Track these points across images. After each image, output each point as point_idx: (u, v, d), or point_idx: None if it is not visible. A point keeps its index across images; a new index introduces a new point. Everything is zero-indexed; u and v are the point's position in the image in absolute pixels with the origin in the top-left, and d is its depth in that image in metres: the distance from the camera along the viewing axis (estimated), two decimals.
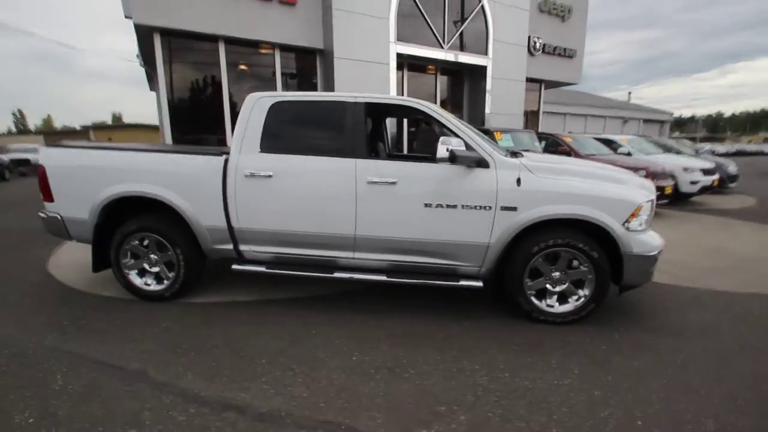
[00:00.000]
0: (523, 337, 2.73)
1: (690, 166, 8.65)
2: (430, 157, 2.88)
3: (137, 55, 11.86)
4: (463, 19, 10.67)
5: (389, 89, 9.74)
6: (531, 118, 14.32)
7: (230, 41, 8.52)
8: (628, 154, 9.21)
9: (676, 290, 3.57)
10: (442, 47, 10.45)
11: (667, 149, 10.96)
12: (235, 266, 3.16)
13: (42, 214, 3.40)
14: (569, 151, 8.32)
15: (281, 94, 3.15)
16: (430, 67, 11.38)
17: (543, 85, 14.10)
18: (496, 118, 11.83)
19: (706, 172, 8.78)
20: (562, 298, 2.96)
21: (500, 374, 2.30)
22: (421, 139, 4.55)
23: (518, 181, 2.81)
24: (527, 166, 2.85)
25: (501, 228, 2.83)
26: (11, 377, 2.24)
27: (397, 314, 3.10)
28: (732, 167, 10.30)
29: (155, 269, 3.30)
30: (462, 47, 10.81)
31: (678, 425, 1.88)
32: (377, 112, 3.66)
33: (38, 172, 3.29)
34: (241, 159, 3.03)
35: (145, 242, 3.25)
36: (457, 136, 2.91)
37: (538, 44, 12.73)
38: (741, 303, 3.31)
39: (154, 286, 3.29)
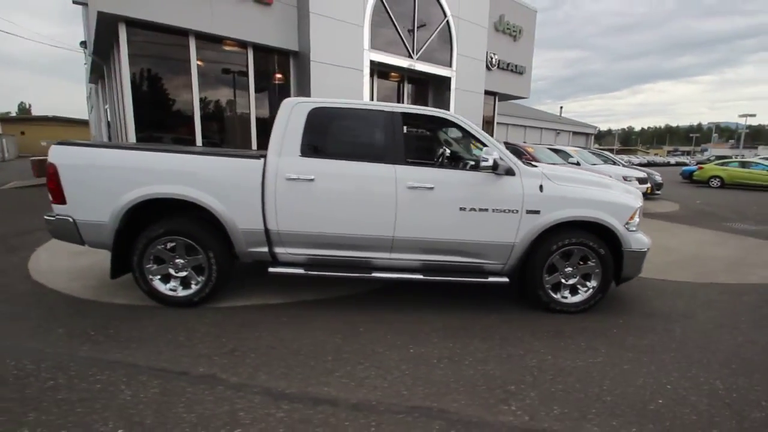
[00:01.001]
0: (547, 326, 3.09)
1: (628, 175, 9.89)
2: (472, 165, 3.16)
3: (82, 44, 10.85)
4: (430, 32, 11.19)
5: (363, 95, 9.93)
6: (486, 128, 15.29)
7: (201, 37, 8.20)
8: (577, 163, 10.29)
9: (650, 282, 4.19)
10: (411, 57, 10.87)
11: (605, 160, 12.35)
12: (272, 269, 3.17)
13: (49, 217, 3.14)
14: (531, 160, 9.11)
15: (319, 100, 3.23)
16: (394, 74, 11.73)
17: (497, 98, 15.15)
18: None
19: (641, 180, 10.10)
20: (573, 290, 3.38)
21: (544, 357, 2.62)
22: (417, 147, 4.80)
23: (540, 187, 3.18)
24: (547, 175, 3.24)
25: (525, 229, 3.17)
26: (67, 390, 2.11)
27: (430, 310, 3.32)
28: (658, 177, 11.89)
29: (181, 274, 3.19)
30: (429, 58, 11.31)
31: (697, 386, 2.31)
32: (409, 121, 3.83)
33: (47, 171, 3.04)
34: (282, 162, 3.07)
35: (168, 246, 3.14)
36: (485, 146, 3.21)
37: (494, 60, 13.69)
38: (702, 291, 3.99)
39: (180, 292, 3.19)
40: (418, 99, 12.58)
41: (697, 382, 2.36)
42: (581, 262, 3.32)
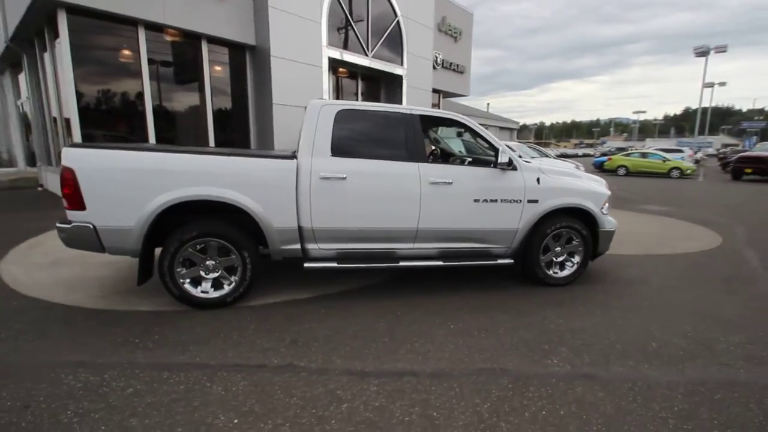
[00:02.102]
0: (547, 297, 3.64)
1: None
2: (489, 161, 3.58)
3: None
4: (383, 31, 11.51)
5: (322, 92, 9.97)
6: None
7: (152, 28, 7.66)
8: (519, 156, 11.37)
9: (607, 257, 5.00)
10: (366, 55, 11.11)
11: (541, 153, 13.76)
12: (307, 264, 3.31)
13: (63, 225, 2.94)
14: None
15: (344, 103, 3.41)
16: (342, 70, 11.89)
17: (441, 95, 15.98)
18: None
19: None
20: (561, 266, 3.98)
21: (557, 321, 3.14)
22: None
23: (538, 180, 3.71)
24: (542, 169, 3.78)
25: (527, 216, 3.69)
26: (152, 395, 2.13)
27: (448, 292, 3.69)
28: (582, 168, 13.56)
29: (212, 275, 3.20)
30: (383, 57, 11.64)
31: (674, 331, 2.98)
32: (424, 123, 4.09)
33: (63, 176, 2.85)
34: (315, 162, 3.22)
35: (198, 248, 3.13)
36: (492, 145, 3.66)
37: (438, 59, 14.44)
38: (646, 261, 4.89)
39: (213, 293, 3.19)
40: (371, 96, 12.87)
41: (672, 329, 3.04)
42: (567, 242, 3.93)
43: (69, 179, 2.84)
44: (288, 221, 3.21)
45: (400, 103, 12.60)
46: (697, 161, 24.41)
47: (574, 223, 3.83)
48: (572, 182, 3.87)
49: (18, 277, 3.82)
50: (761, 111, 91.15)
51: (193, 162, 3.04)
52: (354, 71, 11.87)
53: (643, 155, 20.23)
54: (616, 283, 4.07)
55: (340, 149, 3.31)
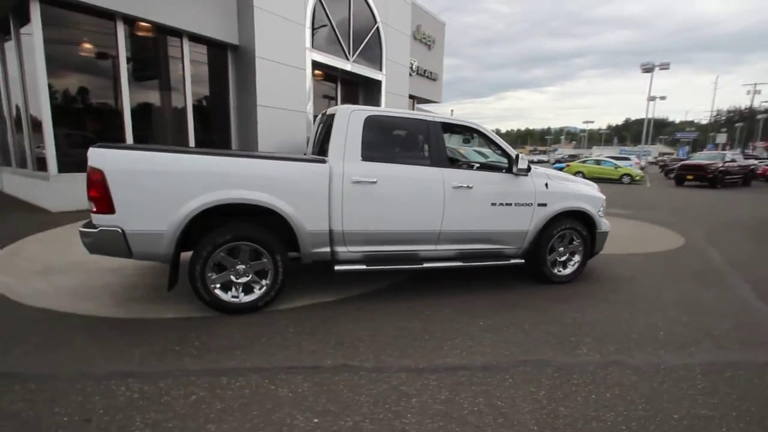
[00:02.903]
0: (556, 294, 3.91)
1: None
2: (499, 167, 3.80)
3: None
4: (363, 37, 11.63)
5: (306, 94, 9.92)
6: None
7: (131, 22, 7.30)
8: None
9: (598, 256, 5.41)
10: (348, 59, 11.18)
11: None
12: (338, 267, 3.35)
13: (88, 229, 2.80)
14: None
15: (372, 109, 3.50)
16: (318, 73, 11.90)
17: (415, 101, 16.33)
18: None
19: None
20: (563, 265, 4.29)
21: (573, 315, 3.40)
22: None
23: (546, 185, 3.99)
24: (549, 175, 4.07)
25: (537, 219, 3.95)
26: (219, 400, 2.11)
27: (463, 292, 3.86)
28: None
29: (243, 280, 3.16)
30: (363, 62, 11.76)
31: (674, 321, 3.33)
32: (444, 129, 4.23)
33: (91, 178, 2.72)
34: (346, 166, 3.28)
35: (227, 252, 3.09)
36: (505, 152, 3.89)
37: (414, 66, 14.78)
38: (629, 259, 5.35)
39: (243, 298, 3.15)
40: (351, 99, 12.93)
41: (671, 319, 3.40)
42: (569, 243, 4.25)
43: (97, 181, 2.71)
44: (320, 224, 3.25)
45: (378, 106, 12.77)
46: (642, 168, 26.56)
47: (576, 225, 4.15)
48: (574, 187, 4.20)
49: (13, 287, 3.54)
50: (692, 123, 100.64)
51: (227, 165, 3.00)
52: (334, 75, 11.89)
53: (597, 162, 21.76)
54: (610, 280, 4.44)
55: (369, 154, 3.40)
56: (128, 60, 7.32)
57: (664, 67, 27.28)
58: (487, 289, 3.98)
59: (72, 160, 6.57)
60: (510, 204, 3.82)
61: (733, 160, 18.75)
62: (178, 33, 8.04)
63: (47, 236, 5.31)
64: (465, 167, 4.69)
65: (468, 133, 4.23)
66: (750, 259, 5.53)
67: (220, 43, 8.66)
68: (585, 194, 4.20)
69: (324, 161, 3.26)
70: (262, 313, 3.20)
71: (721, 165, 17.76)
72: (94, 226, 2.80)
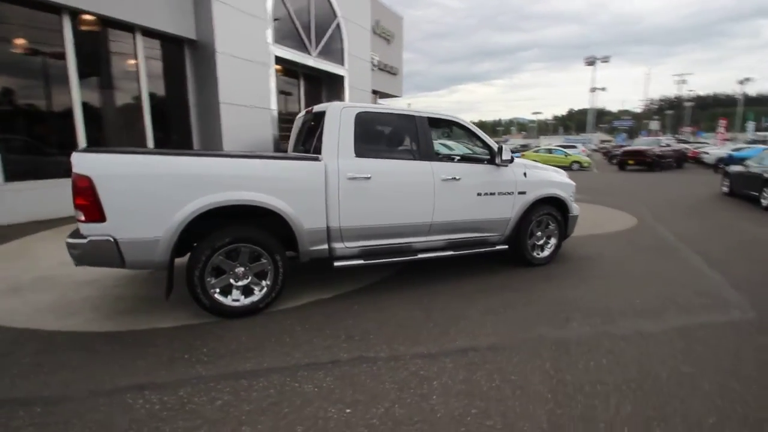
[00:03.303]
0: (538, 276, 4.18)
1: None
2: (480, 159, 3.98)
3: None
4: (324, 31, 11.49)
5: (269, 90, 9.68)
6: None
7: (78, 16, 6.76)
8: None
9: (568, 239, 5.81)
10: (310, 54, 11.01)
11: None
12: (337, 263, 3.38)
13: (76, 240, 2.63)
14: None
15: (362, 105, 3.54)
16: (278, 68, 11.66)
17: (377, 96, 16.38)
18: None
19: None
20: (541, 249, 4.58)
21: (558, 294, 3.66)
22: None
23: (525, 174, 4.23)
24: (526, 165, 4.32)
25: (517, 206, 4.19)
26: (246, 403, 2.10)
27: (452, 280, 4.02)
28: None
29: (242, 282, 3.11)
30: (326, 56, 11.63)
31: (651, 294, 3.69)
32: (430, 124, 4.29)
33: (77, 185, 2.56)
34: (341, 163, 3.30)
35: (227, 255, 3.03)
36: (486, 144, 4.08)
37: (375, 61, 14.80)
38: (593, 240, 5.78)
39: (244, 301, 3.11)
40: (313, 96, 12.75)
41: (642, 291, 3.76)
42: (546, 227, 4.54)
43: (85, 188, 2.56)
44: (318, 222, 3.26)
45: (341, 101, 12.71)
46: (588, 155, 28.40)
47: (552, 210, 4.45)
48: (549, 175, 4.49)
49: None
50: (627, 112, 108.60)
51: (224, 166, 2.93)
52: (295, 71, 11.66)
53: (549, 151, 23.02)
54: (581, 260, 4.80)
55: (361, 150, 3.44)
56: (77, 57, 6.78)
57: (605, 60, 29.41)
58: (474, 275, 4.17)
59: (21, 168, 6.01)
60: (494, 193, 4.03)
61: (668, 145, 20.56)
62: (130, 27, 7.54)
63: (2, 252, 4.87)
64: (446, 160, 4.86)
65: (450, 126, 4.38)
66: (694, 234, 6.18)
67: (175, 37, 8.22)
68: (558, 181, 4.51)
69: (318, 159, 3.27)
70: (264, 314, 3.17)
71: (657, 150, 19.43)
72: (82, 236, 2.64)
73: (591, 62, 30.07)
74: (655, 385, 2.27)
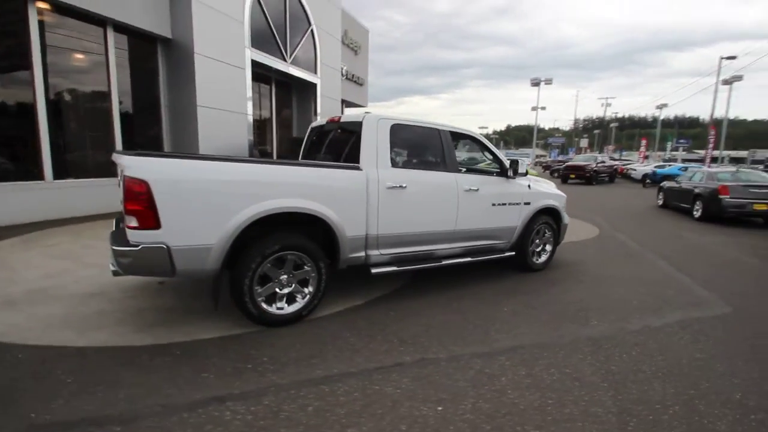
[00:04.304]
0: (539, 279, 4.56)
1: None
2: (497, 172, 4.28)
3: None
4: (299, 39, 11.43)
5: (246, 95, 9.44)
6: None
7: (45, 8, 6.19)
8: None
9: None
10: (285, 60, 10.90)
11: None
12: (374, 270, 3.45)
13: (127, 248, 2.47)
14: None
15: (395, 118, 3.67)
16: (266, 76, 11.43)
17: (344, 105, 16.46)
18: None
19: None
20: (538, 255, 4.99)
21: (563, 295, 4.03)
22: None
23: (529, 186, 4.61)
24: (529, 178, 4.70)
25: (523, 215, 4.55)
26: (338, 407, 2.13)
27: (470, 284, 4.26)
28: None
29: (286, 290, 3.08)
30: (300, 64, 11.56)
31: (641, 293, 4.18)
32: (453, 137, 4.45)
33: (132, 189, 2.42)
34: (380, 173, 3.41)
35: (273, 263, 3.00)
36: (497, 158, 4.41)
37: (343, 71, 14.93)
38: (570, 247, 6.35)
39: (288, 309, 3.08)
40: (283, 103, 12.56)
41: (633, 291, 4.25)
42: (542, 235, 4.96)
43: (142, 193, 2.43)
44: (359, 229, 3.33)
45: (314, 111, 12.67)
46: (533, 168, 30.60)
47: (549, 219, 4.88)
48: (547, 187, 4.92)
49: None
50: (558, 130, 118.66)
51: (277, 173, 2.92)
52: (268, 76, 11.45)
53: None
54: (568, 265, 5.28)
55: (396, 161, 3.58)
56: (43, 53, 6.17)
57: (548, 82, 32.19)
58: (486, 280, 4.44)
59: None
60: (505, 204, 4.35)
61: (603, 162, 22.82)
62: (102, 21, 7.01)
63: None
64: (467, 172, 5.12)
65: (467, 140, 4.65)
66: (651, 241, 7.02)
67: (149, 35, 7.76)
68: (554, 193, 4.95)
69: (359, 168, 3.35)
70: (306, 322, 3.16)
71: (594, 165, 21.51)
72: (132, 244, 2.49)
73: (536, 83, 32.73)
74: (682, 370, 2.64)
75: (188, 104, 8.11)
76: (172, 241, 2.56)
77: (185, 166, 2.61)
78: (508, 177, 4.37)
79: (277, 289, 3.05)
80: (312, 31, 11.90)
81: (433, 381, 2.41)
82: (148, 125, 8.33)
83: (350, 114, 3.86)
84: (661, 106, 41.39)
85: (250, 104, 9.65)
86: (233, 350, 2.69)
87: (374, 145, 3.46)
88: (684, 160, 34.13)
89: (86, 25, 6.90)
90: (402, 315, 3.39)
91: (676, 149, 37.01)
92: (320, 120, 4.44)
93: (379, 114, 3.61)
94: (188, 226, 2.61)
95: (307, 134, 4.57)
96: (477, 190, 4.06)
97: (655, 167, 22.12)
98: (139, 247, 2.49)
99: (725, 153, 30.50)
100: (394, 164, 3.56)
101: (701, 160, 29.95)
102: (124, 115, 7.65)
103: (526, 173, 4.40)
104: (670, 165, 22.73)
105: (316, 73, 12.35)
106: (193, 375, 2.39)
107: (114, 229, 3.41)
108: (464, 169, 4.30)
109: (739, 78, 27.01)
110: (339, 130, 4.06)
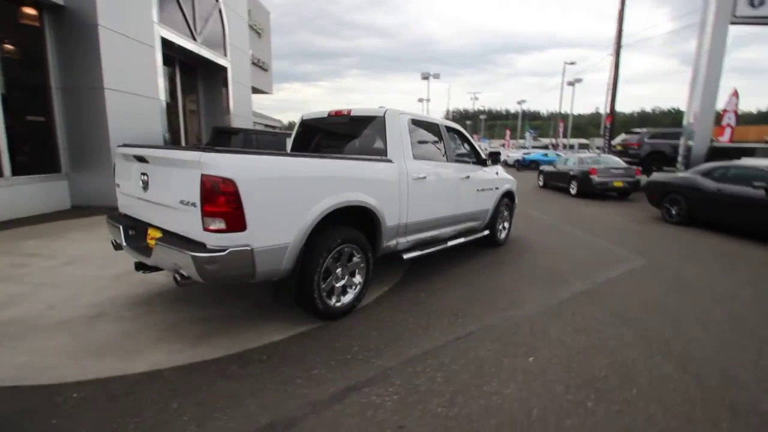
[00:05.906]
0: (509, 254, 5.36)
1: None
2: (474, 162, 4.86)
3: None
4: (206, 16, 10.35)
5: (156, 77, 8.28)
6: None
7: None
8: None
9: None
10: (195, 39, 9.80)
11: None
12: (406, 255, 3.68)
13: (212, 254, 2.25)
14: None
15: (411, 113, 3.90)
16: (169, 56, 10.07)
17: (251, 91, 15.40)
18: (235, 119, 12.27)
19: None
20: (500, 231, 5.81)
21: (538, 264, 4.88)
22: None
23: (497, 173, 5.34)
24: (497, 167, 5.43)
25: (494, 199, 5.27)
26: (445, 384, 2.40)
27: (461, 263, 4.80)
28: None
29: (341, 283, 3.14)
30: (209, 44, 10.49)
31: (591, 256, 5.28)
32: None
33: (217, 190, 2.21)
34: (408, 165, 3.64)
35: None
36: (475, 149, 4.99)
37: (249, 55, 13.95)
38: (525, 228, 7.45)
39: (344, 301, 3.15)
40: (190, 86, 11.25)
41: (582, 255, 5.35)
42: (503, 214, 5.78)
43: (230, 194, 2.24)
44: (395, 219, 3.52)
45: (224, 96, 11.68)
46: None
47: (508, 201, 5.72)
48: (506, 174, 5.74)
49: (13, 362, 2.25)
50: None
51: (337, 168, 2.92)
52: (172, 56, 10.11)
53: None
54: (515, 240, 6.27)
55: (415, 153, 3.84)
56: None
57: (436, 76, 35.07)
58: (469, 258, 5.04)
59: None
60: (484, 189, 4.98)
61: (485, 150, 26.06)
62: None
63: None
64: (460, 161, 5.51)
65: (453, 133, 5.10)
66: (557, 216, 8.63)
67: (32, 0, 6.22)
68: (510, 178, 5.81)
69: (391, 161, 3.53)
70: (357, 312, 3.26)
71: None
72: (218, 249, 2.29)
73: (426, 77, 35.27)
74: (660, 307, 3.56)
75: (92, 86, 6.79)
76: (255, 243, 2.43)
77: (269, 163, 2.46)
78: (485, 165, 5.00)
79: (334, 282, 3.08)
80: (220, 9, 10.87)
81: (507, 340, 2.85)
82: (30, 112, 6.70)
83: (360, 108, 3.93)
84: (521, 102, 49.29)
85: (162, 88, 8.48)
86: (317, 346, 2.69)
87: (399, 139, 3.66)
88: (533, 147, 40.83)
89: None
90: (430, 297, 3.69)
91: (524, 138, 44.96)
92: (314, 112, 4.38)
93: (396, 109, 3.81)
94: (268, 226, 2.49)
95: (297, 127, 4.47)
96: (468, 177, 4.58)
97: (524, 154, 26.25)
98: (227, 251, 2.30)
99: (573, 141, 37.59)
100: (415, 156, 3.82)
101: (547, 147, 36.55)
102: (6, 100, 6.03)
103: (505, 163, 5.09)
104: (534, 152, 27.23)
105: (226, 55, 11.35)
106: (302, 373, 2.36)
107: (122, 236, 2.94)
108: (462, 159, 4.78)
109: (580, 80, 33.73)
110: (346, 124, 4.11)
